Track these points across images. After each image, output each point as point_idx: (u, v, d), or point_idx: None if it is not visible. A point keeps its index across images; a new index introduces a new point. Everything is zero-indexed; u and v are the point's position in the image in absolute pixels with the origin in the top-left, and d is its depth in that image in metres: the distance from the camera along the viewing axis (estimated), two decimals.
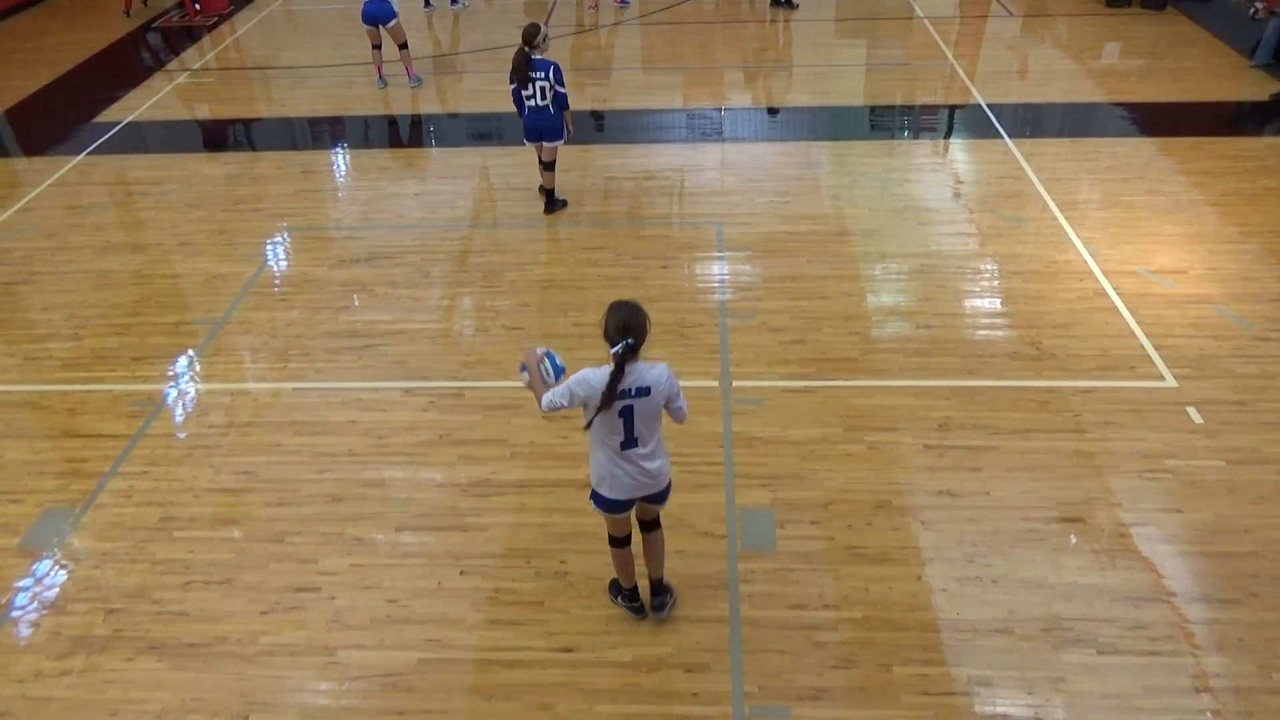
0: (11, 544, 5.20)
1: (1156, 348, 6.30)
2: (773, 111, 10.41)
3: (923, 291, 7.06)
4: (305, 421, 6.00)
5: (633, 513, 4.33)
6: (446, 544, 5.08)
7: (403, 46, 10.96)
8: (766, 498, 5.28)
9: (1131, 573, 4.75)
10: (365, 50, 11.35)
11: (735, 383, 6.17)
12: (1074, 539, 4.95)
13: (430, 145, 10.01)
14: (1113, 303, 6.78)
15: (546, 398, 3.89)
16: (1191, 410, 5.76)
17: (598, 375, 3.82)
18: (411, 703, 4.27)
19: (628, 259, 7.60)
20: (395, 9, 10.63)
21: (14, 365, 6.68)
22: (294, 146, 10.06)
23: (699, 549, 4.98)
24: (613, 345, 3.77)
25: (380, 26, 10.67)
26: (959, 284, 7.12)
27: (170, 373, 6.52)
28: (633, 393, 3.82)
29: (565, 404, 3.88)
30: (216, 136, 10.49)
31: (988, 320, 6.73)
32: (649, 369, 3.87)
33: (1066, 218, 7.87)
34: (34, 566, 5.05)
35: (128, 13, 14.26)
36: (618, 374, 3.76)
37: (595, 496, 4.20)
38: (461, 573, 4.90)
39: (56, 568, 5.05)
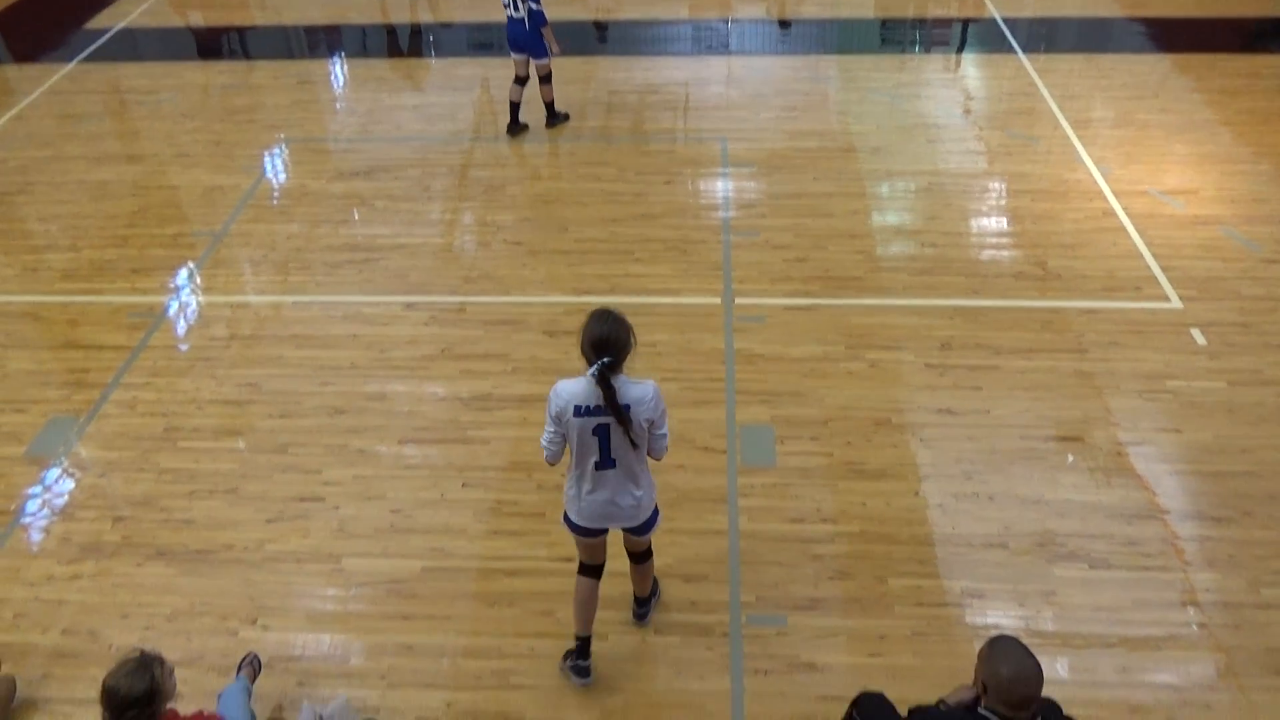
0: (17, 453, 5.25)
1: (1163, 269, 6.25)
2: (782, 24, 10.14)
3: (929, 210, 6.98)
4: (306, 335, 5.99)
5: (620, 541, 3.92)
6: (449, 456, 5.13)
7: None
8: (767, 414, 5.31)
9: (1127, 491, 4.80)
10: None
11: (737, 300, 6.14)
12: (1071, 457, 4.99)
13: (429, 56, 9.78)
14: (1121, 223, 6.70)
15: (545, 448, 3.52)
16: (1195, 332, 5.75)
17: (570, 386, 3.39)
18: (416, 608, 4.36)
19: (630, 175, 7.49)
20: None
21: (13, 276, 6.65)
22: (290, 56, 9.84)
23: (699, 464, 5.03)
24: (589, 363, 3.31)
25: None
26: (966, 203, 7.03)
27: (170, 285, 6.49)
28: (607, 411, 3.34)
29: (553, 432, 3.47)
30: (211, 44, 10.24)
31: (994, 240, 6.67)
32: (633, 386, 3.37)
33: (1078, 136, 7.73)
34: (42, 474, 5.11)
35: None
36: (609, 389, 3.29)
37: (565, 517, 3.75)
38: (464, 485, 4.96)
39: (64, 476, 5.11)
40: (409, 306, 6.20)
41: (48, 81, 9.26)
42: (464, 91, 8.87)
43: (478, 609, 4.35)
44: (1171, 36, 9.34)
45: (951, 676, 3.62)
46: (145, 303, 6.33)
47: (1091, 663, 4.06)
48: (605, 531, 3.77)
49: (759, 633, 4.20)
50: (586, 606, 3.91)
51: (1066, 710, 2.91)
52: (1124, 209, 6.84)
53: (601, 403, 3.32)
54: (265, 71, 9.40)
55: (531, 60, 7.72)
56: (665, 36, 9.85)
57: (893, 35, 9.89)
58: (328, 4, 10.76)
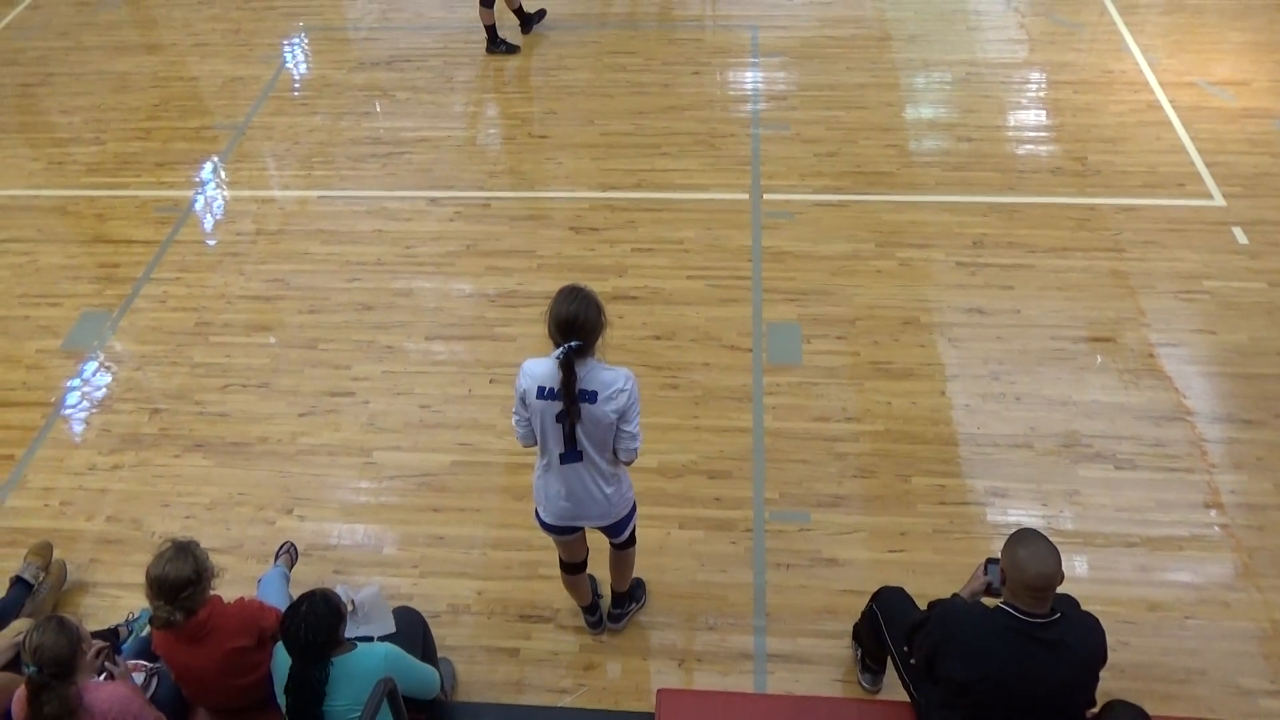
0: (54, 345, 5.35)
1: (1208, 165, 6.04)
2: None
3: (965, 102, 6.74)
4: (332, 230, 5.98)
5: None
6: (476, 352, 5.16)
7: None
8: (794, 312, 5.27)
9: (1156, 393, 4.77)
10: None
11: (766, 196, 6.03)
12: (1101, 359, 4.94)
13: None
14: (1166, 116, 6.45)
15: (515, 428, 3.29)
16: (1237, 230, 5.59)
17: (537, 366, 3.10)
18: (446, 500, 4.47)
19: (657, 64, 7.27)
20: None
21: (40, 170, 6.64)
22: None
23: (725, 362, 5.03)
24: (555, 345, 3.01)
25: None
26: (1004, 95, 6.78)
27: (195, 179, 6.47)
28: (569, 399, 3.03)
29: (520, 415, 3.22)
30: None
31: (1032, 134, 6.46)
32: (601, 372, 3.05)
33: (1126, 23, 7.38)
34: (79, 367, 5.22)
35: None
36: (569, 375, 2.99)
37: (535, 513, 3.47)
38: (491, 380, 5.01)
39: (100, 369, 5.21)
40: (433, 202, 6.15)
41: None
42: None
43: (506, 502, 4.45)
44: None
45: (971, 572, 3.69)
46: (171, 197, 6.32)
47: (1112, 561, 4.11)
48: (579, 530, 3.50)
49: (782, 528, 4.28)
50: (578, 588, 3.80)
51: (1085, 607, 2.96)
52: (1170, 101, 6.57)
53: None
54: None
55: None
56: None
57: None
58: None
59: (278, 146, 6.69)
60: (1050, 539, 2.78)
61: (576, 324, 2.97)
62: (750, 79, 7.10)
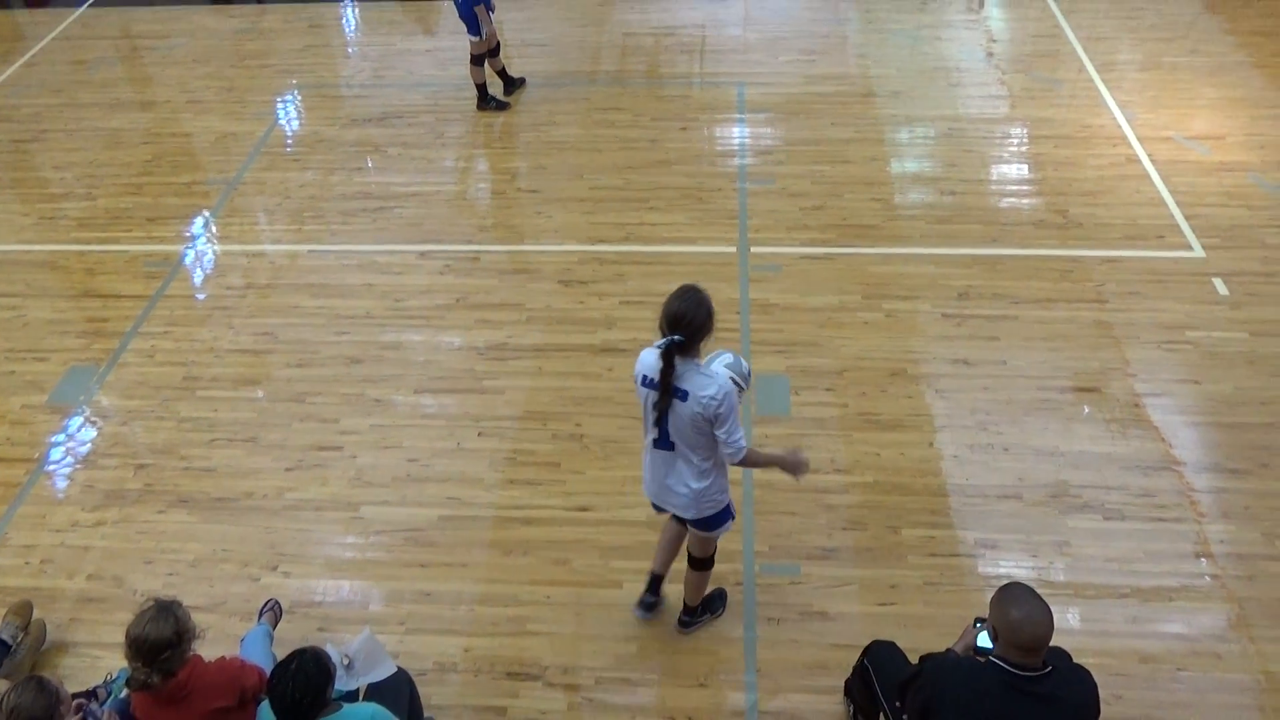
0: (40, 400, 5.32)
1: (1186, 217, 6.14)
2: None
3: (948, 156, 6.86)
4: (322, 284, 6.00)
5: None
6: (464, 406, 5.16)
7: None
8: (782, 364, 5.30)
9: (1143, 442, 4.78)
10: None
11: (753, 249, 6.09)
12: (1088, 409, 4.97)
13: None
14: (1145, 170, 6.57)
15: None
16: (1217, 281, 5.66)
17: (647, 355, 3.28)
18: (433, 556, 4.43)
19: (646, 120, 7.39)
20: None
21: (30, 225, 6.67)
22: None
23: None
24: (662, 336, 3.19)
25: None
26: (987, 149, 6.91)
27: (186, 233, 6.50)
28: (664, 391, 3.21)
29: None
30: None
31: (1014, 187, 6.56)
32: (699, 375, 3.20)
33: (1103, 79, 7.55)
34: (64, 422, 5.19)
35: None
36: (668, 369, 3.16)
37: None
38: (479, 434, 5.00)
39: (86, 424, 5.18)
40: (423, 255, 6.19)
41: (58, 26, 9.18)
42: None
43: (494, 557, 4.41)
44: None
45: (962, 626, 3.65)
46: (161, 251, 6.34)
47: (1102, 613, 4.09)
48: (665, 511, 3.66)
49: (772, 581, 4.24)
50: (663, 544, 3.94)
51: (1076, 659, 2.94)
52: (1148, 155, 6.70)
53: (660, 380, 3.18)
54: (276, 16, 9.27)
55: (467, 35, 7.23)
56: None
57: None
58: None
59: (269, 201, 6.75)
60: (1040, 592, 2.76)
61: (683, 321, 3.13)
62: (737, 134, 7.22)
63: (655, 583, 4.03)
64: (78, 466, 4.95)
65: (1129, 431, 4.84)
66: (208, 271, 6.20)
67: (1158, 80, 7.53)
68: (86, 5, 9.55)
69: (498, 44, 7.45)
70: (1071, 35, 8.16)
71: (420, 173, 6.95)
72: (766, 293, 5.75)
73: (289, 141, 7.41)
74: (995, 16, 8.73)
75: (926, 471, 4.70)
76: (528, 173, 6.93)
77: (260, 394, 5.28)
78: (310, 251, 6.28)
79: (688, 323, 3.12)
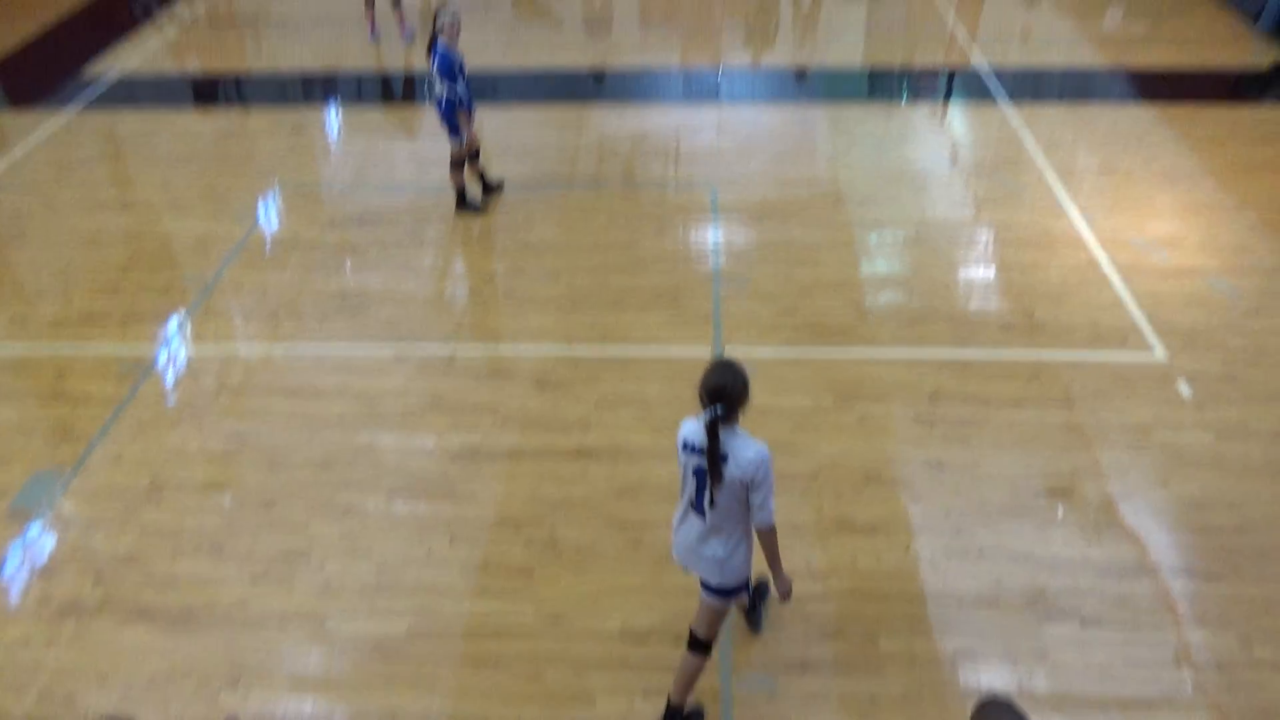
0: (0, 507, 5.20)
1: (1148, 319, 6.29)
2: (770, 73, 10.27)
3: (916, 259, 7.02)
4: (296, 385, 5.98)
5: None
6: (436, 511, 5.10)
7: (396, 2, 10.75)
8: None
9: (1117, 545, 4.79)
10: (358, 5, 11.13)
11: (727, 349, 6.15)
12: (1061, 511, 4.99)
13: (423, 102, 9.86)
14: (1106, 273, 6.75)
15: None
16: (1181, 383, 5.77)
17: (690, 423, 3.50)
18: (401, 670, 4.31)
19: (621, 223, 7.53)
20: None
21: (1, 326, 6.63)
22: (285, 101, 9.91)
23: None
24: (704, 408, 3.36)
25: None
26: (953, 252, 7.08)
27: (161, 334, 6.48)
28: (705, 459, 3.40)
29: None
30: (207, 91, 10.32)
31: (980, 290, 6.71)
32: (739, 442, 3.38)
33: (1063, 185, 7.81)
34: (23, 530, 5.06)
35: None
36: (714, 440, 3.32)
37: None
38: (451, 540, 4.92)
39: (46, 532, 5.06)
40: (399, 357, 6.20)
41: (43, 128, 9.30)
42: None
43: (464, 672, 4.30)
44: (1154, 87, 9.48)
45: None
46: (135, 353, 6.31)
47: None
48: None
49: (749, 697, 4.15)
50: (683, 672, 3.91)
51: None
52: (1109, 259, 6.89)
53: (703, 446, 3.38)
54: (261, 118, 9.46)
55: (448, 139, 7.37)
56: (657, 85, 9.96)
57: (880, 85, 10.02)
58: (323, 52, 10.86)
59: (245, 302, 6.77)
60: (1022, 704, 2.72)
61: (724, 393, 3.31)
62: (711, 237, 7.37)
63: (673, 715, 3.99)
64: (34, 577, 4.81)
65: (1103, 534, 4.85)
66: (180, 373, 6.16)
67: (1115, 186, 7.80)
68: (72, 108, 9.70)
69: (479, 148, 7.63)
70: (1031, 143, 8.47)
71: (398, 273, 7.01)
72: None
73: (269, 242, 7.47)
74: (958, 124, 9.06)
75: (903, 577, 4.67)
76: (505, 274, 7.02)
77: (227, 500, 5.20)
78: (285, 352, 6.27)
79: (728, 394, 3.32)
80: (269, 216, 7.84)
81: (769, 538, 3.56)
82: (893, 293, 6.69)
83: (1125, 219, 7.36)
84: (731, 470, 3.37)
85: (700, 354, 6.13)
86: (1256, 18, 10.60)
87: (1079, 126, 8.78)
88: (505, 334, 6.42)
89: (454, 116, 7.20)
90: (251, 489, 5.25)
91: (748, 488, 3.40)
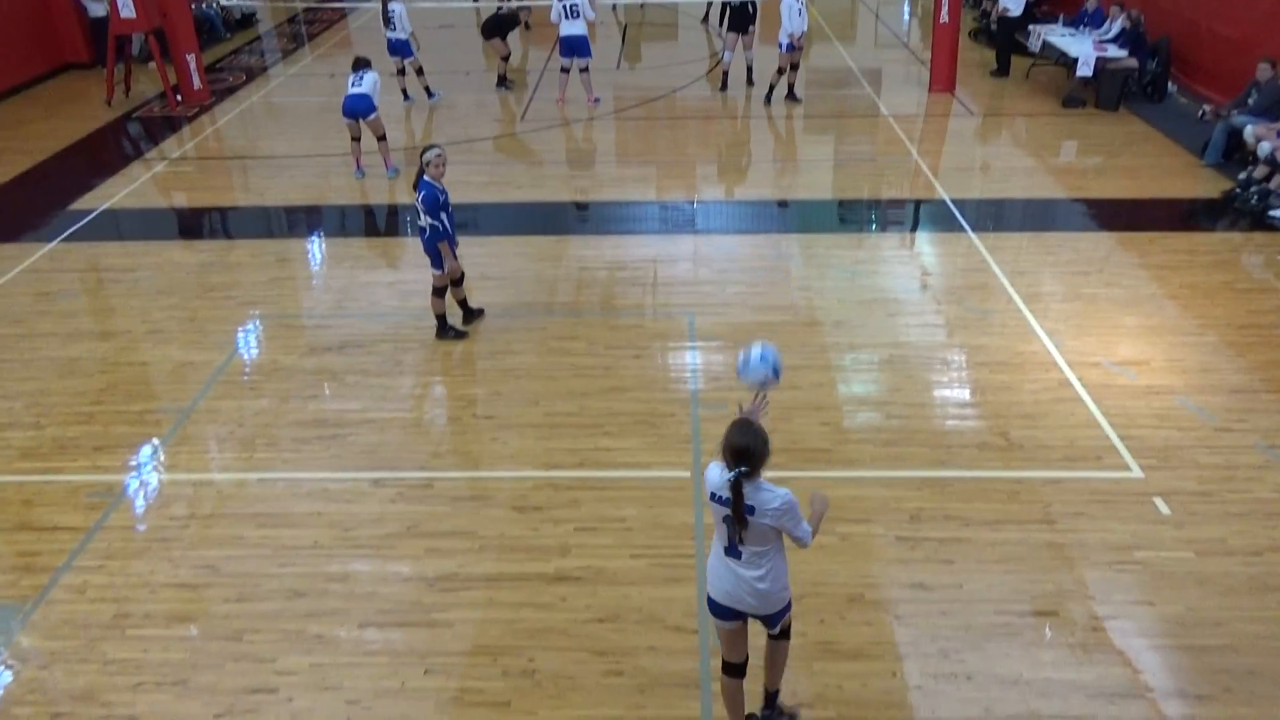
0: None
1: (1122, 438, 6.37)
2: (744, 204, 10.64)
3: (892, 382, 7.13)
4: (269, 513, 5.88)
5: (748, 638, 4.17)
6: (411, 641, 4.95)
7: (381, 139, 11.16)
8: None
9: (1107, 667, 4.70)
10: (344, 141, 11.52)
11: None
12: (1049, 633, 4.91)
13: (405, 234, 10.11)
14: (1078, 393, 6.87)
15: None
16: (1159, 501, 5.80)
17: (715, 473, 3.84)
18: None
19: (600, 349, 7.63)
20: (375, 103, 10.85)
21: None
22: (270, 235, 10.13)
23: (669, 645, 4.88)
24: (729, 468, 3.71)
25: (360, 120, 10.88)
26: (927, 374, 7.21)
27: (132, 463, 6.40)
28: (732, 508, 3.76)
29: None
30: (192, 224, 10.54)
31: (956, 411, 6.79)
32: (762, 494, 3.73)
33: (1030, 309, 8.03)
34: None
35: (109, 103, 14.44)
36: (739, 498, 3.70)
37: (708, 598, 4.09)
38: (426, 671, 4.76)
39: (2, 668, 4.85)
40: (376, 483, 6.14)
41: (26, 260, 9.42)
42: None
43: None
44: (1111, 216, 9.89)
45: None
46: (105, 481, 6.21)
47: None
48: (741, 619, 4.04)
49: None
50: (733, 701, 4.23)
51: None
52: (1079, 379, 7.03)
53: (729, 498, 3.72)
54: (244, 250, 9.64)
55: (430, 269, 7.56)
56: (634, 216, 10.28)
57: (850, 215, 10.40)
58: (309, 186, 11.18)
59: (221, 429, 6.72)
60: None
61: (748, 454, 3.68)
62: (689, 361, 7.47)
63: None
64: None
65: (1092, 656, 4.77)
66: (151, 501, 6.06)
67: (1080, 310, 8.03)
68: (58, 240, 9.85)
69: (461, 274, 7.78)
70: (997, 269, 8.74)
71: (377, 399, 7.02)
72: None
73: (247, 370, 7.49)
74: (927, 252, 9.37)
75: (891, 704, 4.54)
76: (484, 399, 7.04)
77: (194, 631, 5.03)
78: (259, 480, 6.19)
79: (751, 455, 3.69)
80: (248, 345, 7.88)
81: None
82: (870, 414, 6.76)
83: (1093, 341, 7.54)
84: (759, 519, 3.73)
85: (680, 476, 6.12)
86: (1202, 152, 11.18)
87: (1043, 253, 9.10)
88: (484, 459, 6.39)
89: (436, 247, 7.38)
90: (219, 620, 5.09)
91: (778, 530, 3.80)
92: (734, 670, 4.17)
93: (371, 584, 5.32)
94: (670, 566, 5.39)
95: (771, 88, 13.68)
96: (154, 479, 6.27)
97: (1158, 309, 8.01)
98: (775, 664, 4.30)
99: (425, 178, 7.21)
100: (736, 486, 3.68)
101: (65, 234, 9.99)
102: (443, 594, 5.25)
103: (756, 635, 4.21)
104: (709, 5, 18.53)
